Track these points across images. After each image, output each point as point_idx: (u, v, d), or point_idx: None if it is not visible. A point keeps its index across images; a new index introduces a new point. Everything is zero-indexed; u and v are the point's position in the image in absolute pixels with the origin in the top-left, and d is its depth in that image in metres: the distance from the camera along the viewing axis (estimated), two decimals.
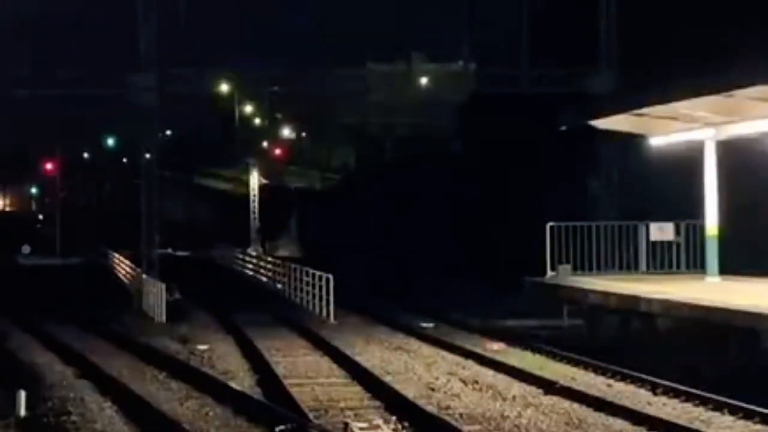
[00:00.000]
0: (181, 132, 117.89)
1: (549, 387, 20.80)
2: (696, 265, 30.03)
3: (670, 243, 30.88)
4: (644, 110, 26.36)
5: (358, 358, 25.04)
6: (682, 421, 17.61)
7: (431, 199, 59.75)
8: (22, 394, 19.00)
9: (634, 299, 24.31)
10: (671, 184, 34.06)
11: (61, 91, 42.27)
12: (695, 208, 28.81)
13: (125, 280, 52.24)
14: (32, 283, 56.80)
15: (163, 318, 36.16)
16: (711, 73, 24.30)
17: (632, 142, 31.26)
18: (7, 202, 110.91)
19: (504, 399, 20.22)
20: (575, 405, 19.33)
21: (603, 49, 39.83)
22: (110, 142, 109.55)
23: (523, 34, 41.25)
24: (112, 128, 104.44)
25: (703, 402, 19.08)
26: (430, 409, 18.78)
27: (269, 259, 61.08)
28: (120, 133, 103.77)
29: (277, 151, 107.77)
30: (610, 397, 19.72)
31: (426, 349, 27.53)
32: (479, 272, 46.90)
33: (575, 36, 42.38)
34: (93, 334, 31.87)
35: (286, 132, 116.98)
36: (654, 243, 30.89)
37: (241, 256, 69.51)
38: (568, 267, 30.06)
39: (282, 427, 16.76)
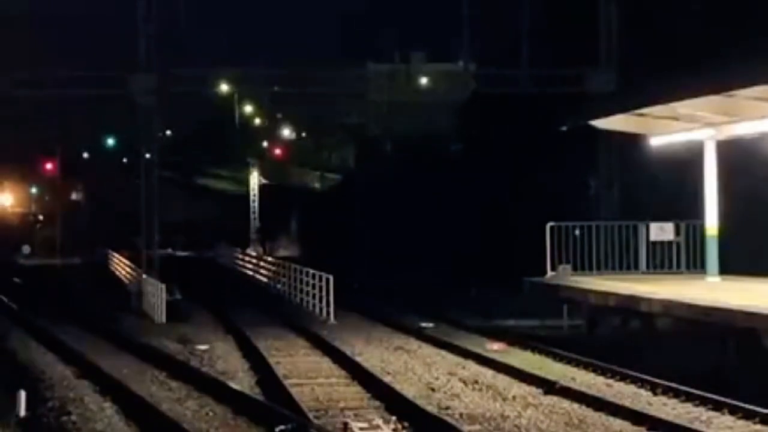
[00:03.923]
0: (181, 132, 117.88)
1: (549, 387, 20.80)
2: (696, 265, 30.03)
3: (670, 243, 30.89)
4: (644, 110, 26.38)
5: (358, 358, 25.04)
6: (682, 421, 17.62)
7: (431, 199, 59.70)
8: (22, 394, 19.00)
9: (634, 299, 24.31)
10: (672, 183, 34.06)
11: (61, 91, 42.24)
12: (695, 208, 28.81)
13: (125, 280, 52.23)
14: (32, 283, 56.81)
15: (163, 318, 36.16)
16: (710, 73, 24.31)
17: (632, 142, 31.25)
18: (12, 202, 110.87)
19: (504, 399, 20.22)
20: (575, 405, 19.34)
21: (603, 49, 39.81)
22: (110, 142, 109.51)
23: (523, 34, 41.23)
24: (112, 128, 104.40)
25: (703, 402, 19.09)
26: (430, 409, 18.78)
27: (269, 259, 61.07)
28: (120, 133, 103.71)
29: (277, 151, 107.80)
30: (610, 397, 19.73)
31: (426, 349, 27.54)
32: (479, 272, 46.88)
33: (575, 36, 42.36)
34: (93, 334, 31.88)
35: (286, 132, 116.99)
36: (654, 243, 30.90)
37: (241, 256, 69.50)
38: (568, 267, 30.08)
39: (282, 427, 16.76)
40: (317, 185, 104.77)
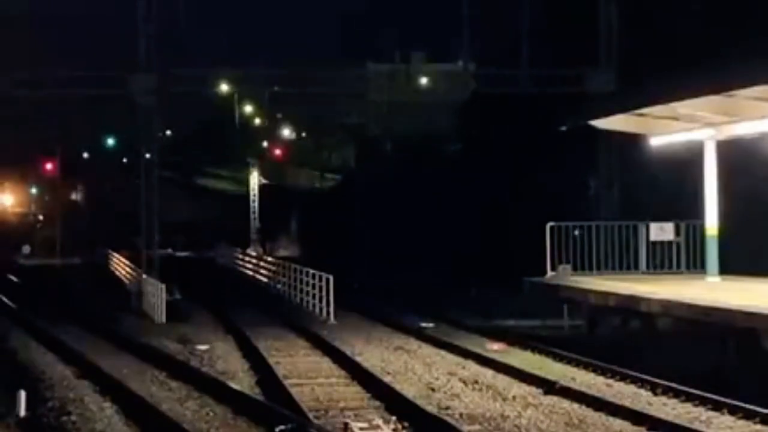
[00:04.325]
0: (181, 132, 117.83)
1: (549, 387, 20.80)
2: (696, 265, 30.03)
3: (670, 243, 30.89)
4: (644, 110, 26.38)
5: (358, 358, 25.04)
6: (682, 421, 17.62)
7: (431, 199, 59.73)
8: (22, 394, 19.00)
9: (634, 299, 24.31)
10: (672, 183, 34.06)
11: (61, 91, 42.23)
12: (695, 208, 28.81)
13: (125, 280, 52.24)
14: (32, 283, 56.79)
15: (163, 318, 36.16)
16: (710, 73, 24.30)
17: (632, 142, 31.25)
18: (12, 202, 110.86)
19: (504, 399, 20.22)
20: (575, 405, 19.34)
21: (603, 49, 39.81)
22: (110, 142, 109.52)
23: (523, 34, 41.23)
24: (112, 128, 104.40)
25: (703, 402, 19.09)
26: (430, 409, 18.78)
27: (269, 259, 61.07)
28: (120, 133, 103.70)
29: (277, 151, 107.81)
30: (610, 397, 19.72)
31: (426, 349, 27.53)
32: (479, 272, 46.88)
33: (575, 36, 42.37)
34: (93, 334, 31.87)
35: (286, 132, 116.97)
36: (654, 243, 30.90)
37: (241, 256, 69.48)
38: (568, 267, 30.08)
39: (282, 427, 16.76)
40: (317, 185, 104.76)
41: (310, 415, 18.11)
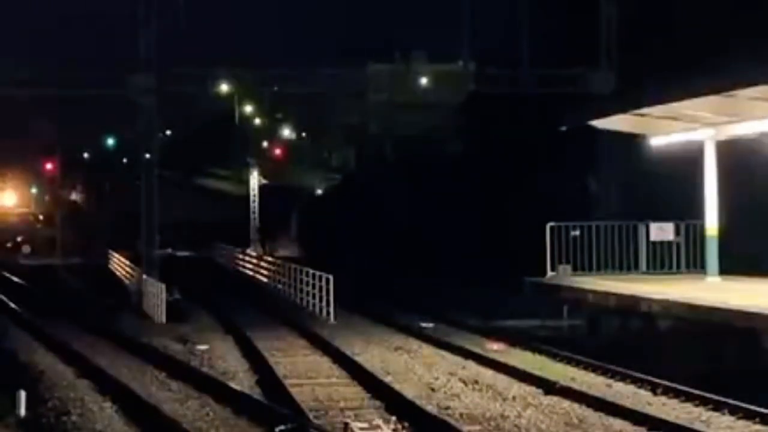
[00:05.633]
0: (181, 132, 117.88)
1: (549, 387, 20.80)
2: (696, 265, 30.04)
3: (670, 243, 30.90)
4: (644, 110, 26.39)
5: (358, 358, 25.03)
6: (682, 421, 17.62)
7: (431, 199, 59.72)
8: (22, 394, 19.01)
9: (634, 299, 24.32)
10: (672, 183, 34.06)
11: (61, 91, 42.23)
12: (695, 208, 28.82)
13: (125, 281, 52.23)
14: (32, 283, 56.76)
15: (163, 318, 36.16)
16: (711, 72, 24.32)
17: (632, 142, 31.27)
18: (14, 203, 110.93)
19: (504, 399, 20.22)
20: (575, 405, 19.33)
21: (603, 49, 39.82)
22: (110, 142, 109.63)
23: (522, 34, 41.24)
24: (112, 128, 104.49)
25: (703, 402, 19.09)
26: (430, 409, 18.78)
27: (269, 259, 61.06)
28: (120, 133, 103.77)
29: (277, 151, 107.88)
30: (610, 397, 19.72)
31: (426, 349, 27.53)
32: (479, 272, 46.87)
33: (575, 36, 42.38)
34: (93, 334, 31.86)
35: (286, 132, 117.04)
36: (654, 243, 30.91)
37: (241, 256, 69.48)
38: (568, 267, 30.09)
39: (282, 427, 16.76)
40: (317, 185, 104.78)
41: (310, 415, 18.11)
